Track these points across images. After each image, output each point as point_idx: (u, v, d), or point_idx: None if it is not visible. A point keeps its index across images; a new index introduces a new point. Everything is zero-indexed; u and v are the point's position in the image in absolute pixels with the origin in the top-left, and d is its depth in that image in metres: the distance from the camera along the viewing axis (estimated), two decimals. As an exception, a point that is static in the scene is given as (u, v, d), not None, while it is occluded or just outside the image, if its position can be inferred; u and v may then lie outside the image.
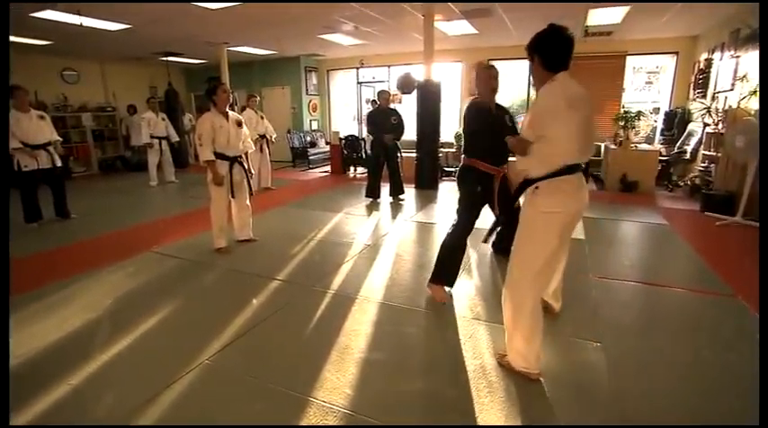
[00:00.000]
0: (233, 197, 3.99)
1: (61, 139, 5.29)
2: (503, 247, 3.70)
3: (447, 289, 2.96)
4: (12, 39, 6.83)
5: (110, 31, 6.37)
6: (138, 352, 2.34)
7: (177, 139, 8.14)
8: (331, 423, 1.77)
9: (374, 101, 6.31)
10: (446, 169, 8.04)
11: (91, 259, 3.85)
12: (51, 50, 8.00)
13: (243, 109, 6.94)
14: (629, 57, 7.98)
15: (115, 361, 2.25)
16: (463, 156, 2.97)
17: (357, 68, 10.40)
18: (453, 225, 2.92)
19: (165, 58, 9.16)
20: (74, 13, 5.35)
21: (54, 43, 7.33)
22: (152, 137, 7.53)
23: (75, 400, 1.95)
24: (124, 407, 1.88)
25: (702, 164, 5.96)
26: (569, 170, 1.86)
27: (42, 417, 1.83)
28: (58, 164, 5.10)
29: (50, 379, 2.09)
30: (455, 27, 6.84)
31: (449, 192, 6.75)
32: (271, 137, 7.02)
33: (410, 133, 7.34)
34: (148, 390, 1.99)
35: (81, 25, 5.76)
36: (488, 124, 2.83)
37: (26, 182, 4.89)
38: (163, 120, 7.72)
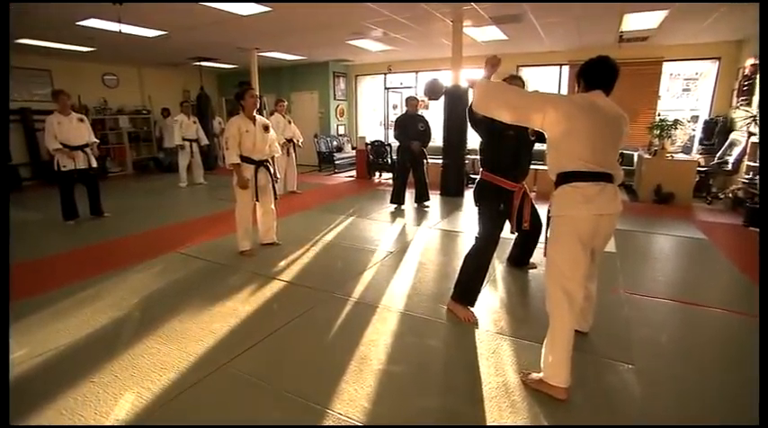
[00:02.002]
0: (257, 201, 4.03)
1: (98, 141, 5.48)
2: (520, 260, 3.61)
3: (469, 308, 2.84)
4: (60, 46, 7.20)
5: (147, 37, 6.60)
6: (159, 352, 2.36)
7: (207, 142, 8.34)
8: (346, 437, 1.73)
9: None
10: (472, 176, 7.91)
11: (120, 258, 3.95)
12: (95, 57, 8.37)
13: (272, 113, 7.05)
14: (665, 63, 7.67)
15: (136, 360, 2.28)
16: (482, 169, 2.84)
17: (385, 74, 10.43)
18: (477, 244, 2.78)
19: (197, 63, 9.43)
20: (114, 21, 5.57)
21: (97, 50, 7.66)
22: (183, 139, 7.74)
23: (96, 398, 1.97)
24: (139, 409, 1.89)
25: (746, 176, 5.64)
26: (574, 176, 1.90)
27: (62, 414, 1.86)
28: (94, 164, 5.29)
29: (74, 376, 2.13)
30: (484, 33, 6.75)
31: (474, 200, 6.63)
32: (298, 141, 7.09)
33: (437, 140, 7.28)
34: (166, 392, 2.00)
35: (120, 32, 5.98)
36: (515, 139, 2.71)
37: (64, 181, 5.10)
38: (194, 123, 7.94)
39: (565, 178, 1.93)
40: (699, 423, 1.80)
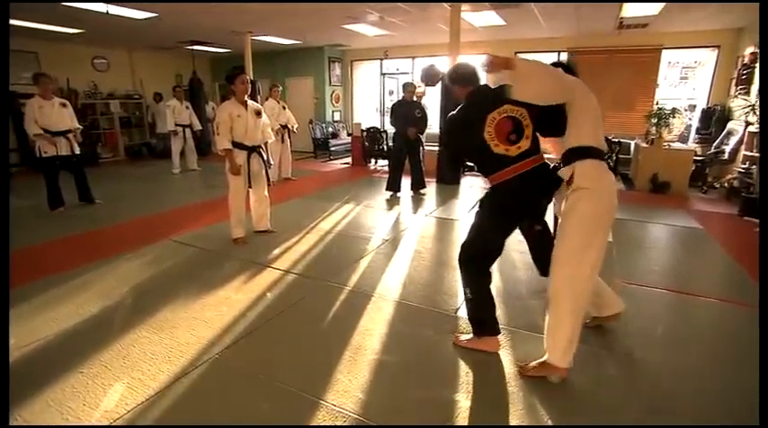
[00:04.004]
0: (251, 187, 3.96)
1: (81, 127, 5.31)
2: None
3: None
4: (46, 27, 6.98)
5: (136, 19, 6.41)
6: (150, 342, 2.32)
7: (200, 128, 8.20)
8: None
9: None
10: (469, 164, 7.85)
11: (111, 246, 3.89)
12: (83, 39, 8.14)
13: (266, 99, 6.92)
14: (664, 52, 7.58)
15: (126, 350, 2.24)
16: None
17: (381, 60, 10.26)
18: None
19: (190, 47, 9.23)
20: (101, 1, 5.39)
21: (85, 32, 7.44)
22: (176, 124, 7.60)
23: (84, 388, 1.94)
24: (130, 401, 1.86)
25: (742, 166, 5.63)
26: (592, 152, 1.92)
27: (50, 405, 1.83)
28: (77, 151, 5.14)
29: (62, 367, 2.09)
30: (482, 18, 6.61)
31: (471, 188, 6.60)
32: (292, 127, 6.99)
33: (433, 126, 7.18)
34: (157, 383, 1.97)
35: (107, 13, 5.81)
36: None
37: (47, 168, 4.97)
38: (187, 108, 7.78)
39: (584, 153, 1.90)
40: (696, 418, 1.78)
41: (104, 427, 1.70)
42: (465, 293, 2.21)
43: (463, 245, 2.23)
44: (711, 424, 1.71)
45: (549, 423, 1.75)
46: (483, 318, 2.21)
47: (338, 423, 1.72)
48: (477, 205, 2.24)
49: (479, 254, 2.18)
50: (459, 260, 2.22)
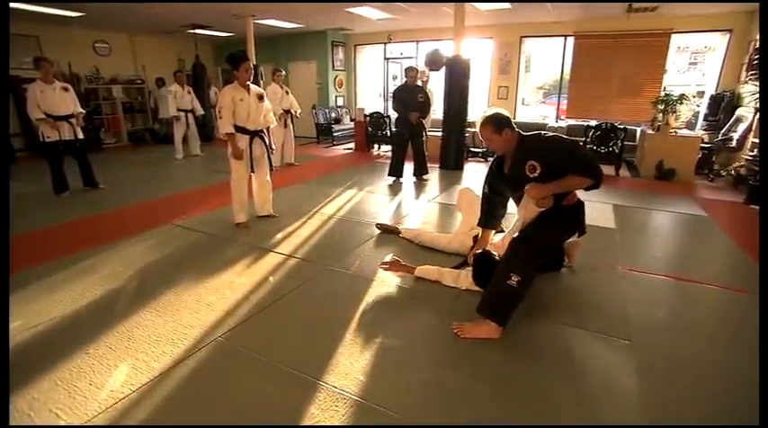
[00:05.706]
0: (253, 172, 3.96)
1: (84, 112, 5.28)
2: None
3: None
4: (46, 10, 6.91)
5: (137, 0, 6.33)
6: (154, 324, 2.35)
7: (202, 113, 8.16)
8: (341, 410, 1.73)
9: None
10: (472, 149, 7.81)
11: (115, 230, 3.91)
12: (84, 22, 8.07)
13: (270, 83, 6.86)
14: (674, 36, 7.42)
15: (131, 332, 2.27)
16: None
17: (385, 44, 10.13)
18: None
19: (192, 31, 9.13)
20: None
21: (86, 15, 7.37)
22: (178, 110, 7.57)
23: (90, 369, 1.97)
24: (135, 381, 1.89)
25: (750, 153, 5.56)
26: None
27: (58, 385, 1.86)
28: (80, 136, 5.11)
29: (69, 347, 2.12)
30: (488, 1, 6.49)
31: (474, 174, 6.56)
32: (295, 112, 6.94)
33: (437, 111, 7.13)
34: (161, 364, 2.00)
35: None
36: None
37: (51, 153, 4.97)
38: (189, 93, 7.73)
39: None
40: (696, 417, 1.76)
41: (103, 427, 1.68)
42: (508, 278, 2.21)
43: (534, 238, 2.36)
44: (711, 425, 1.71)
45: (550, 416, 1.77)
46: (510, 307, 2.25)
47: (339, 406, 1.75)
48: (555, 215, 2.42)
49: (545, 251, 2.44)
50: (526, 251, 2.30)
